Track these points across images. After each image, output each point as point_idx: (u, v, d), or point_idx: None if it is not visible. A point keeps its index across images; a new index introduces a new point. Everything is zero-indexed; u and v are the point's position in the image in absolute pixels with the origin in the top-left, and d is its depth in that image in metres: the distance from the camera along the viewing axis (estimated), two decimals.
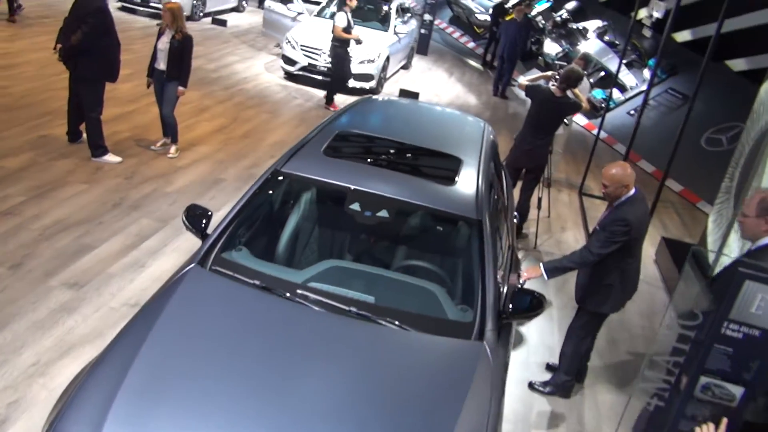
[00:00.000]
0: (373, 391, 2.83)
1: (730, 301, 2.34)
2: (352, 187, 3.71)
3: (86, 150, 6.67)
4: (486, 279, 3.47)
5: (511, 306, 3.42)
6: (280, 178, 3.83)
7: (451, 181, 3.92)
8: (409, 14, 13.70)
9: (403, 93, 11.56)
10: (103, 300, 4.54)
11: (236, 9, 16.93)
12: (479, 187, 3.91)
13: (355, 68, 10.89)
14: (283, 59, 11.37)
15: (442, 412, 2.76)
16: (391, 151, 4.30)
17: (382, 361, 2.99)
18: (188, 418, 2.52)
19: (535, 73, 8.47)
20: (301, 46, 11.08)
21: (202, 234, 3.61)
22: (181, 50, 6.77)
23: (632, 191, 4.06)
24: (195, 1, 14.30)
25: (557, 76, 6.72)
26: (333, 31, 9.85)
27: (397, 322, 3.17)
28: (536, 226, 7.07)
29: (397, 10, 12.65)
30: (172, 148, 7.21)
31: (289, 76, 11.47)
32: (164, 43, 6.75)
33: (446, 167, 4.10)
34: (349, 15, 9.91)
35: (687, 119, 6.44)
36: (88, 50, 6.19)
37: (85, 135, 6.74)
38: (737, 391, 2.50)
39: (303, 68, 11.12)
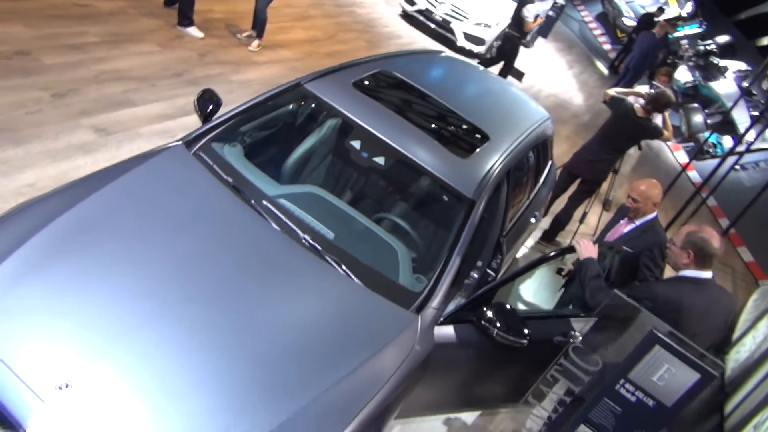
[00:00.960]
0: (281, 319, 2.83)
1: (634, 360, 2.17)
2: (361, 123, 3.65)
3: (175, 17, 6.88)
4: (452, 258, 3.37)
5: (489, 312, 3.19)
6: (301, 92, 3.82)
7: (466, 153, 3.79)
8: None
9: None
10: (120, 153, 4.74)
11: None
12: (492, 171, 3.75)
13: (470, 28, 10.63)
14: None
15: (336, 364, 2.72)
16: (422, 105, 4.17)
17: (307, 297, 2.97)
18: (96, 274, 2.62)
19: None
20: None
21: (204, 118, 3.68)
22: None
23: (655, 212, 4.07)
24: None
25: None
26: (524, 27, 9.26)
27: (343, 267, 3.15)
28: (571, 239, 6.78)
29: None
30: (255, 42, 7.32)
31: (405, 16, 11.31)
32: None
33: (469, 140, 3.96)
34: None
35: None
36: None
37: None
38: None
39: (420, 11, 10.93)
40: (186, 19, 6.83)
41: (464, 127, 4.12)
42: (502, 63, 9.82)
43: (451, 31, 10.78)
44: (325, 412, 2.56)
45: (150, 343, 2.48)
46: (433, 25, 10.88)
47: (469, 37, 10.72)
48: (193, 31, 6.88)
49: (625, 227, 4.37)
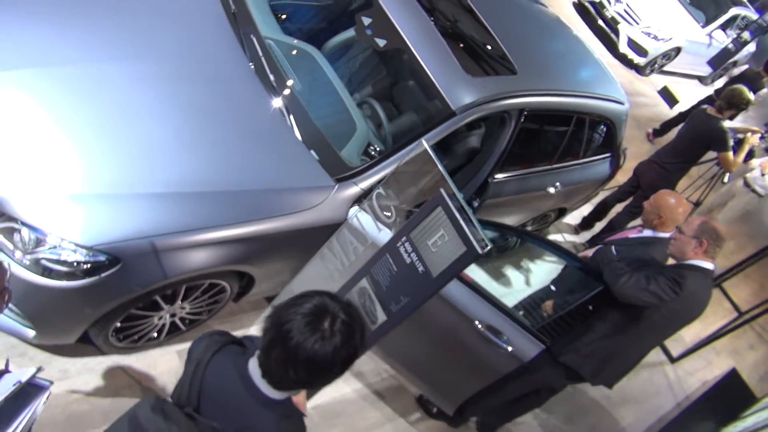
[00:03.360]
0: (201, 123, 2.92)
1: (417, 220, 1.99)
2: (382, 4, 3.60)
3: None
4: (398, 152, 3.29)
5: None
6: None
7: (477, 73, 3.60)
8: (743, 33, 11.28)
9: (665, 92, 10.27)
10: None
11: None
12: (494, 100, 3.54)
13: (636, 35, 9.92)
14: None
15: (239, 179, 2.84)
16: (460, 17, 3.97)
17: (241, 122, 3.04)
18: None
19: None
20: None
21: None
22: None
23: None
24: None
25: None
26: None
27: (291, 117, 3.17)
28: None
29: (729, 19, 10.95)
30: None
31: (577, 4, 10.83)
32: None
33: (489, 65, 3.77)
34: None
35: None
36: None
37: None
38: (381, 316, 2.19)
39: (593, 2, 10.40)
40: None
41: (492, 52, 3.90)
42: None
43: (617, 33, 10.14)
44: (216, 206, 2.67)
45: (72, 82, 2.69)
46: (600, 21, 10.29)
47: (633, 44, 10.02)
48: None
49: (633, 232, 3.92)
